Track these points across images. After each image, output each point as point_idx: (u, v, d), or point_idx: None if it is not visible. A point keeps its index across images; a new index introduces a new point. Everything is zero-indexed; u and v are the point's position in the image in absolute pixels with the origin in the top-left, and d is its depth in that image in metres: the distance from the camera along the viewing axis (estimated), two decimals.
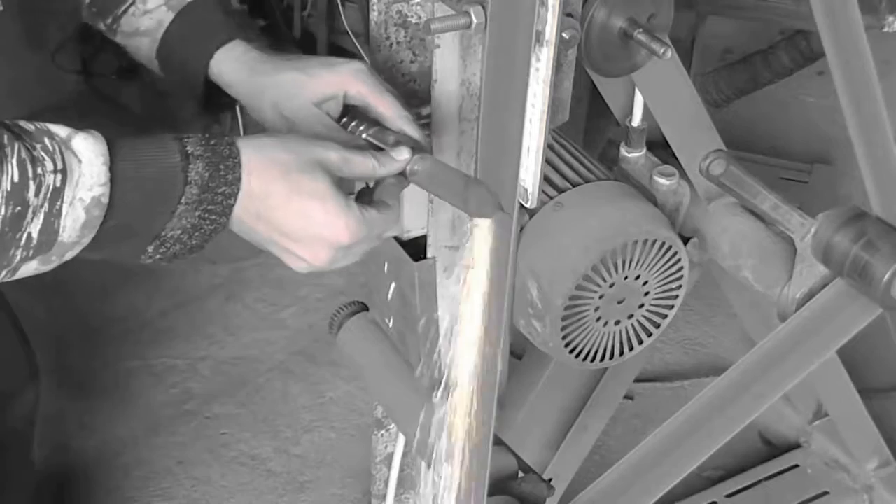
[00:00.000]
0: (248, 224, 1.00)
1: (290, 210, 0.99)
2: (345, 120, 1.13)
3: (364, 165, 1.04)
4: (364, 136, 1.09)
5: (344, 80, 1.12)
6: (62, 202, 0.90)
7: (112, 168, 0.92)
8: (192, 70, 1.19)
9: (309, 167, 1.00)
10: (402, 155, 1.05)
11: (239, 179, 0.97)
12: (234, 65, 1.18)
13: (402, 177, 1.06)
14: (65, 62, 2.96)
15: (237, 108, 3.00)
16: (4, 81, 2.70)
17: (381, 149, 1.07)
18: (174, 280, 2.54)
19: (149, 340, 2.41)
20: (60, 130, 0.92)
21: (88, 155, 0.91)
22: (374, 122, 1.12)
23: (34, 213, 0.90)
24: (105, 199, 0.92)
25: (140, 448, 2.18)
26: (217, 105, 1.23)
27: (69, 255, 0.95)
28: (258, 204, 0.99)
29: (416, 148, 1.07)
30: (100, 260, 0.99)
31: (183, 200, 0.95)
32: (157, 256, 0.98)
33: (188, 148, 0.96)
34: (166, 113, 2.88)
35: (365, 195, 1.07)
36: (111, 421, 2.23)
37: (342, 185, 1.03)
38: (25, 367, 1.74)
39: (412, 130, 1.10)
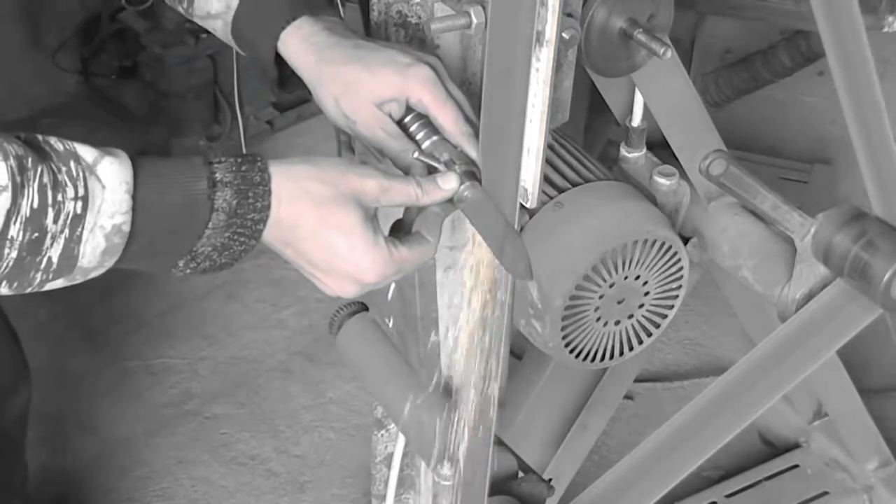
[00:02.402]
0: (278, 248, 0.99)
1: (318, 243, 0.98)
2: (407, 120, 1.09)
3: (405, 194, 1.01)
4: (415, 155, 1.05)
5: (407, 85, 1.07)
6: (83, 229, 0.89)
7: (135, 195, 0.91)
8: (261, 52, 1.16)
9: (342, 200, 0.97)
10: (449, 184, 1.02)
11: (268, 207, 0.96)
12: (300, 46, 1.13)
13: (449, 203, 1.04)
14: (65, 62, 2.97)
15: (237, 107, 2.99)
16: (4, 81, 2.70)
17: (434, 168, 1.04)
18: (174, 280, 2.54)
19: (148, 341, 2.41)
20: (87, 154, 0.90)
21: (112, 182, 0.90)
22: (431, 126, 1.09)
23: (53, 239, 0.88)
24: (126, 228, 0.91)
25: (140, 448, 2.18)
26: (295, 86, 1.18)
27: (94, 274, 0.94)
28: (287, 233, 0.98)
29: (468, 172, 1.04)
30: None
31: (210, 225, 0.94)
32: (188, 271, 0.97)
33: (217, 175, 0.94)
34: (166, 113, 2.89)
35: (405, 224, 1.04)
36: (111, 421, 2.23)
37: (380, 214, 1.01)
38: (16, 369, 1.73)
39: (471, 148, 1.06)
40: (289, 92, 1.20)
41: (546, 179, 1.31)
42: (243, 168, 0.95)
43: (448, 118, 1.07)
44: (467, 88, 1.15)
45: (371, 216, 0.99)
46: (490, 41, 0.97)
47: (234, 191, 0.94)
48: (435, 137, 1.08)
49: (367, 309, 1.46)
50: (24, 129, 0.92)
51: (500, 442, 1.27)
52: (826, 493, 1.99)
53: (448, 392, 1.34)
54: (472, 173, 1.04)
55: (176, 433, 2.22)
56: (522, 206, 1.14)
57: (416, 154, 1.05)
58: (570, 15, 1.07)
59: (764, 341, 1.36)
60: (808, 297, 1.36)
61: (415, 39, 1.20)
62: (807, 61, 2.61)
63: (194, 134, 2.87)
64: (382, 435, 1.67)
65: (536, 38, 1.00)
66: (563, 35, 1.05)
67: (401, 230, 1.05)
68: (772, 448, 2.14)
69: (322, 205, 0.97)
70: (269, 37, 1.14)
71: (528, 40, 0.98)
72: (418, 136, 1.08)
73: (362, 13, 2.53)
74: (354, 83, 1.08)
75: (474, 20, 1.01)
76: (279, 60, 1.16)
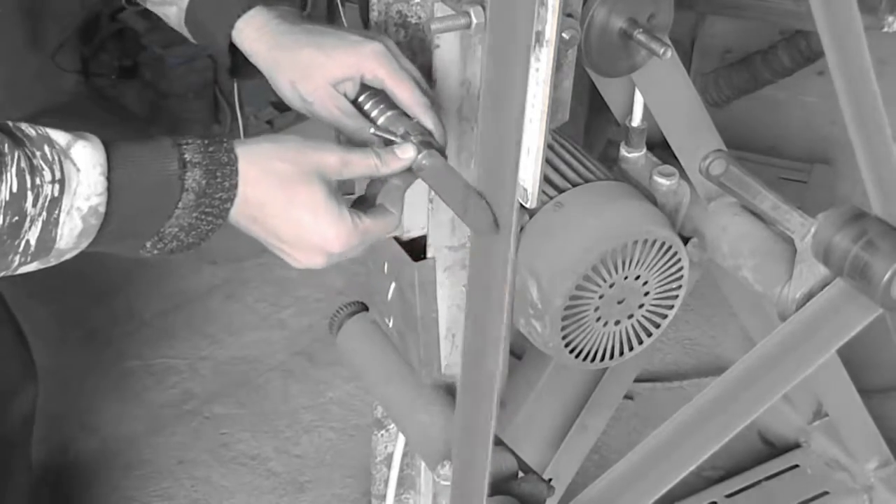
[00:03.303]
0: (244, 224, 1.02)
1: (284, 219, 1.01)
2: (362, 99, 1.12)
3: (365, 165, 1.04)
4: (372, 130, 1.08)
5: (361, 62, 1.10)
6: (60, 211, 0.91)
7: (109, 177, 0.93)
8: (216, 40, 1.18)
9: (305, 177, 1.00)
10: (407, 153, 1.05)
11: (236, 186, 0.98)
12: (254, 35, 1.16)
13: (410, 173, 1.06)
14: (65, 62, 2.96)
15: (237, 107, 2.99)
16: (4, 82, 2.70)
17: (391, 142, 1.07)
18: (174, 280, 2.54)
19: (149, 340, 2.41)
20: (60, 138, 0.92)
21: (86, 164, 0.91)
22: (392, 102, 1.11)
23: (32, 222, 0.90)
24: (102, 209, 0.93)
25: (140, 448, 2.18)
26: (248, 73, 1.21)
27: (68, 256, 0.96)
28: (254, 211, 1.00)
29: (425, 142, 1.06)
30: (100, 259, 0.99)
31: (180, 205, 0.96)
32: (155, 252, 0.99)
33: (186, 155, 0.96)
34: (166, 113, 2.89)
35: (369, 197, 1.07)
36: (111, 421, 2.24)
37: (344, 186, 1.03)
38: (23, 367, 1.73)
39: (427, 118, 1.09)
40: (242, 78, 1.23)
41: (546, 179, 1.31)
42: (210, 149, 0.98)
43: (404, 90, 1.10)
44: (467, 88, 1.16)
45: (334, 189, 1.02)
46: (490, 41, 0.97)
47: (202, 171, 0.97)
48: (389, 112, 1.10)
49: (367, 309, 1.46)
50: None
51: (500, 442, 1.27)
52: (826, 493, 1.99)
53: (448, 392, 1.34)
54: (428, 143, 1.07)
55: (176, 433, 2.22)
56: (522, 206, 1.14)
57: (372, 129, 1.08)
58: (570, 15, 1.07)
59: (764, 341, 1.36)
60: (808, 297, 1.36)
61: (415, 39, 1.20)
62: (807, 61, 2.61)
63: (194, 134, 2.87)
64: (382, 435, 1.67)
65: (536, 38, 1.00)
66: (563, 35, 1.05)
67: (364, 203, 1.08)
68: (772, 448, 2.14)
69: (287, 182, 1.00)
70: (225, 24, 1.17)
71: (528, 40, 0.98)
72: (373, 113, 1.11)
73: (362, 13, 2.53)
74: (310, 66, 1.11)
75: (474, 20, 1.01)
76: (232, 48, 1.18)
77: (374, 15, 1.21)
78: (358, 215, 1.03)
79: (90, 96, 3.05)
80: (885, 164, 1.30)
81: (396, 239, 1.27)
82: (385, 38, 1.13)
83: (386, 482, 1.62)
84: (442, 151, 1.08)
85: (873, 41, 1.24)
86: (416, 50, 1.20)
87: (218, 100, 2.88)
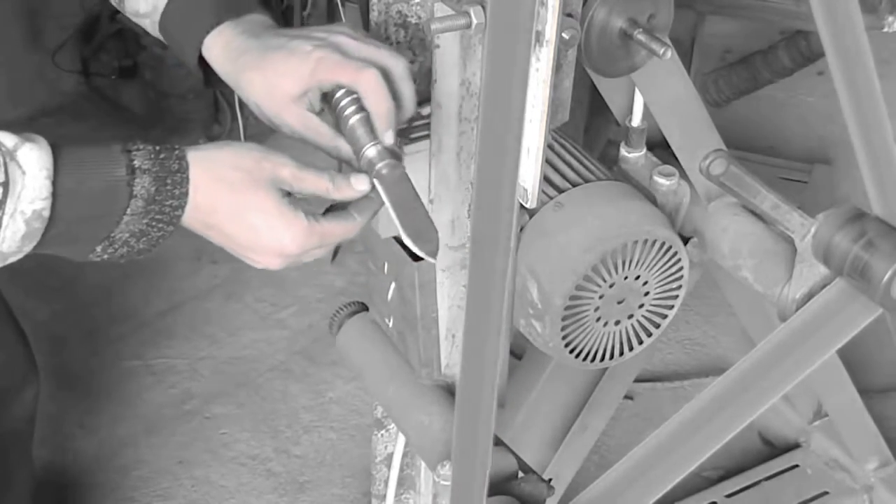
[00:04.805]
0: (198, 230, 1.02)
1: (237, 224, 1.01)
2: (337, 97, 1.09)
3: (317, 185, 1.04)
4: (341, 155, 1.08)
5: (314, 71, 1.07)
6: (3, 214, 0.91)
7: (55, 181, 0.92)
8: (186, 57, 1.18)
9: (255, 183, 1.00)
10: (360, 185, 1.05)
11: (186, 194, 0.98)
12: (221, 52, 1.14)
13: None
14: (65, 62, 2.96)
15: (237, 107, 2.99)
16: (4, 82, 2.70)
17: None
18: (174, 280, 2.54)
19: (148, 340, 2.41)
20: (7, 140, 0.92)
21: (32, 168, 0.91)
22: (359, 103, 1.09)
23: None
24: (46, 213, 0.92)
25: (140, 448, 2.19)
26: (221, 82, 1.19)
27: (12, 260, 0.95)
28: (206, 217, 1.00)
29: (387, 150, 1.06)
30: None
31: (128, 211, 0.96)
32: (105, 256, 0.99)
33: (135, 162, 0.96)
34: (166, 113, 2.89)
35: (338, 205, 1.07)
36: (111, 421, 2.24)
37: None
38: (24, 366, 1.74)
39: (386, 133, 1.06)
40: (216, 87, 1.22)
41: (546, 179, 1.31)
42: (161, 156, 0.97)
43: (366, 93, 1.06)
44: (467, 88, 1.15)
45: (286, 194, 1.02)
46: (490, 41, 0.97)
47: (152, 178, 0.96)
48: (363, 114, 1.08)
49: (367, 309, 1.46)
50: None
51: (499, 442, 1.27)
52: (826, 493, 1.99)
53: (448, 392, 1.34)
54: (392, 151, 1.06)
55: (176, 433, 2.22)
56: (522, 206, 1.14)
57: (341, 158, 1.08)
58: (570, 15, 1.07)
59: (764, 341, 1.36)
60: (808, 297, 1.36)
61: (415, 39, 1.20)
62: (807, 61, 2.61)
63: (194, 134, 2.87)
64: (382, 435, 1.67)
65: (536, 38, 1.00)
66: (563, 35, 1.05)
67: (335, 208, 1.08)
68: (772, 448, 2.14)
69: (237, 189, 1.00)
70: (194, 41, 1.15)
71: (528, 40, 0.98)
72: (346, 112, 1.08)
73: (362, 13, 2.53)
74: (267, 87, 1.09)
75: (474, 20, 1.01)
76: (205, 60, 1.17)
77: (374, 15, 1.20)
78: (315, 217, 1.03)
79: (90, 96, 3.05)
80: (885, 164, 1.29)
81: (396, 239, 1.27)
82: (339, 33, 1.09)
83: (386, 482, 1.61)
84: (399, 157, 1.07)
85: (876, 42, 1.24)
86: (416, 50, 1.20)
87: (218, 100, 2.88)
